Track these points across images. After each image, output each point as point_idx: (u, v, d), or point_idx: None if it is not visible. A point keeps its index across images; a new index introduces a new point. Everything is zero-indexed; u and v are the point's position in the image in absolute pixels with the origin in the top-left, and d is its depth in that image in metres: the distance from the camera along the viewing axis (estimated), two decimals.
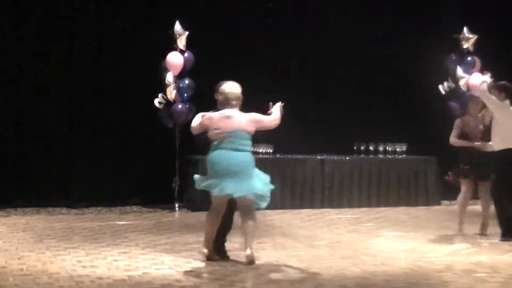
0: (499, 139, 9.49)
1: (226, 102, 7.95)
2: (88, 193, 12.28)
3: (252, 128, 7.96)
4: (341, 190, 12.65)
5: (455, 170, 10.01)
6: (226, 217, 8.03)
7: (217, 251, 8.10)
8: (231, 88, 7.98)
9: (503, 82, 9.77)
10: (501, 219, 9.52)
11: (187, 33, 11.94)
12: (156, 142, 12.54)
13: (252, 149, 8.12)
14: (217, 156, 7.86)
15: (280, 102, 8.18)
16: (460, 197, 10.04)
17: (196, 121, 8.06)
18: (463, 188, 10.01)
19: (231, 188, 7.73)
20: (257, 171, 7.98)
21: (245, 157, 7.91)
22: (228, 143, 7.85)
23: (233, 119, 7.89)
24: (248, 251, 7.84)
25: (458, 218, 10.06)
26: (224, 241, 8.19)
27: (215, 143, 7.88)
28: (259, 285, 7.21)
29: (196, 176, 8.10)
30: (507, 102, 9.56)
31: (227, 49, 12.65)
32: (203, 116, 8.02)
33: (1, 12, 12.02)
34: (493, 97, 9.54)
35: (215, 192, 7.83)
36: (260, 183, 7.91)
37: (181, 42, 11.94)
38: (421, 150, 13.14)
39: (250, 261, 7.84)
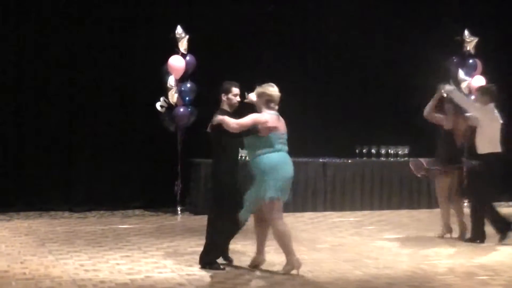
0: (483, 142, 9.40)
1: (269, 105, 7.68)
2: (90, 197, 12.27)
3: None
4: (343, 193, 12.63)
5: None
6: (232, 222, 7.94)
7: (221, 255, 8.08)
8: (274, 90, 7.72)
9: (487, 85, 9.72)
10: (493, 222, 9.45)
11: (188, 36, 11.94)
12: (158, 145, 12.51)
13: None
14: (283, 159, 7.69)
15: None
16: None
17: (246, 120, 7.59)
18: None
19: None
20: None
21: None
22: (285, 145, 7.76)
23: (283, 122, 7.76)
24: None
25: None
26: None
27: (268, 147, 7.58)
28: None
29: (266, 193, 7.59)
30: (491, 105, 9.48)
31: (228, 52, 12.62)
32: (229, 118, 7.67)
33: (1, 12, 12.02)
34: (473, 101, 9.52)
35: (285, 196, 7.66)
36: None
37: (183, 46, 11.92)
38: (423, 152, 13.09)
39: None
